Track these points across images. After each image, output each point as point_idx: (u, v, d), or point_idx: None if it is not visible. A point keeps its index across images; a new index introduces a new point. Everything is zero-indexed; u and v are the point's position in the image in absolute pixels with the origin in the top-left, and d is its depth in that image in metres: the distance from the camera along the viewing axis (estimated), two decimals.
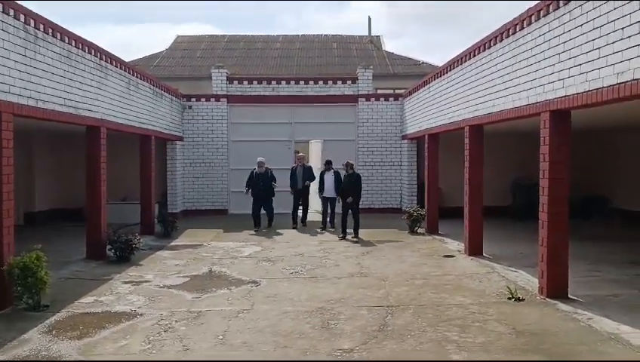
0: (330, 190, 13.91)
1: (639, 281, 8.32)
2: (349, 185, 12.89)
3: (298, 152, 17.99)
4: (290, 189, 14.72)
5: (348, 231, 12.94)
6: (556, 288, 7.34)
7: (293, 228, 14.14)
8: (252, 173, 14.39)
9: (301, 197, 14.69)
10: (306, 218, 14.85)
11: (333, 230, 13.88)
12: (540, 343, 5.65)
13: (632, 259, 10.06)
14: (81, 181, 10.95)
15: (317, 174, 14.75)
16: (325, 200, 14.32)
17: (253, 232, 13.68)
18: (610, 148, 16.42)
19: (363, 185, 13.64)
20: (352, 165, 13.36)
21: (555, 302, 7.13)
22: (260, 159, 14.45)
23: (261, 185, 14.11)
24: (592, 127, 14.04)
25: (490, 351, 5.41)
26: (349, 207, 12.87)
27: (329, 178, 13.97)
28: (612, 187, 16.41)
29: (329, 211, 14.35)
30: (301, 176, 14.54)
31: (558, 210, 7.38)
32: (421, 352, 5.43)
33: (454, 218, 13.31)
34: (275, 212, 14.57)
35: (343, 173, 13.34)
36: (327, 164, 14.19)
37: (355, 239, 12.52)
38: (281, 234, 13.47)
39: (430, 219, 13.73)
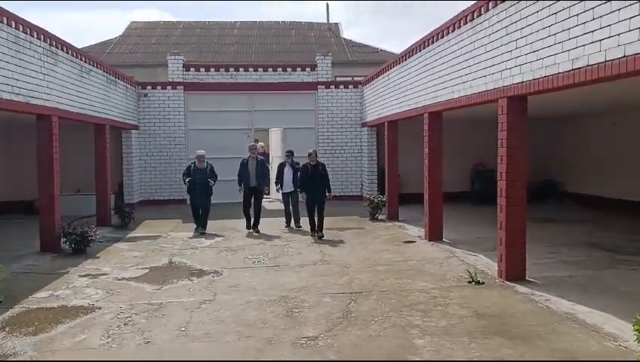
0: (288, 184, 12.36)
1: (592, 262, 8.60)
2: (316, 176, 11.30)
3: (258, 141, 17.82)
4: (238, 187, 12.25)
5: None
6: (514, 271, 7.51)
7: (249, 232, 11.95)
8: (190, 167, 12.32)
9: (253, 198, 12.18)
10: (258, 223, 12.13)
11: (299, 229, 12.32)
12: (501, 325, 5.76)
13: (585, 240, 10.40)
14: (32, 172, 10.56)
15: (276, 166, 13.66)
16: (286, 197, 12.62)
17: (194, 234, 11.84)
18: (561, 135, 16.92)
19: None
20: (317, 153, 11.95)
21: (514, 284, 7.30)
22: (199, 152, 12.38)
23: (197, 180, 11.98)
24: (544, 115, 14.40)
25: (452, 334, 5.48)
26: (317, 201, 11.36)
27: (288, 170, 12.41)
28: (564, 172, 16.92)
29: (291, 208, 12.65)
30: (254, 171, 12.05)
31: (515, 194, 7.53)
32: (385, 337, 5.46)
33: (414, 204, 13.46)
34: (228, 201, 13.94)
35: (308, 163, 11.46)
36: (288, 156, 12.62)
37: (320, 235, 11.17)
38: (239, 224, 13.32)
39: (390, 205, 13.84)
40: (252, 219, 12.15)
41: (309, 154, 11.53)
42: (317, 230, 11.27)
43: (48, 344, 5.41)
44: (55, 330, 5.81)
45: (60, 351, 5.23)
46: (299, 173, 11.78)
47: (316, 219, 11.33)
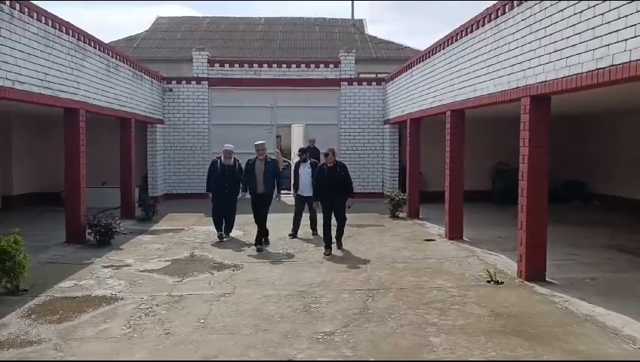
0: (306, 187, 10.67)
1: (615, 265, 8.50)
2: (335, 179, 9.37)
3: (280, 137, 17.84)
4: (242, 193, 10.38)
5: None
6: (534, 271, 7.45)
7: (258, 250, 9.71)
8: (215, 164, 10.72)
9: (260, 207, 9.98)
10: (267, 235, 10.33)
11: (313, 238, 10.86)
12: (518, 325, 5.74)
13: (609, 242, 10.26)
14: (59, 164, 10.80)
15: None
16: (301, 201, 11.04)
17: (217, 240, 10.56)
18: (588, 134, 16.65)
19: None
20: (334, 152, 9.73)
21: (533, 284, 7.25)
22: (228, 146, 10.79)
23: (226, 179, 10.52)
24: (570, 114, 14.21)
25: (469, 333, 5.48)
26: (335, 209, 9.53)
27: (305, 171, 10.85)
28: (589, 172, 16.66)
29: (305, 214, 11.08)
30: (261, 175, 9.85)
31: (537, 194, 7.47)
32: (402, 334, 5.49)
33: (435, 202, 13.42)
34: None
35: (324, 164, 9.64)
36: (302, 154, 11.21)
37: (339, 251, 9.52)
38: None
39: (411, 203, 13.81)
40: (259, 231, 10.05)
41: (326, 155, 9.56)
42: (331, 247, 9.41)
43: (72, 332, 5.56)
44: (79, 319, 5.96)
45: (83, 340, 5.37)
46: (314, 176, 9.95)
47: (333, 232, 9.56)
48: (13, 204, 15.10)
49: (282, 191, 11.44)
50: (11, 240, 6.73)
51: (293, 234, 11.04)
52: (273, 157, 10.59)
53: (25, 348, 5.15)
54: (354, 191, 9.72)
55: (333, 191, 9.35)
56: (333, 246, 9.60)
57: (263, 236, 10.05)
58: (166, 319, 5.97)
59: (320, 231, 10.22)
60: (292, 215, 11.20)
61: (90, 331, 5.60)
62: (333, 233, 9.66)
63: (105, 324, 5.79)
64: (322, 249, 9.53)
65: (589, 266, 8.36)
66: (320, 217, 10.17)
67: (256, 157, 10.02)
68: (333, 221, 9.63)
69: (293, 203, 11.35)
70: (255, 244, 9.91)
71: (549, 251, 7.60)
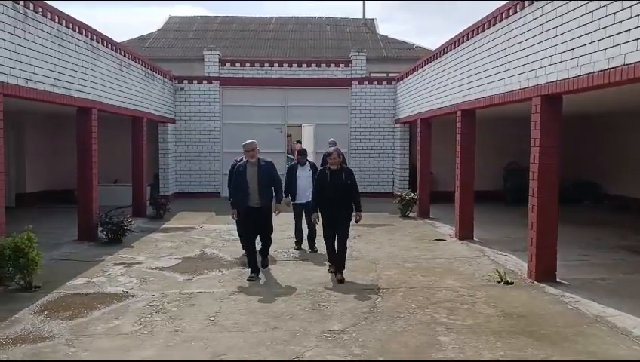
0: (305, 192, 9.23)
1: (626, 265, 8.45)
2: (338, 186, 7.55)
3: (290, 136, 17.87)
4: (231, 206, 8.20)
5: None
6: (545, 272, 7.42)
7: (250, 279, 7.58)
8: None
9: (258, 222, 7.96)
10: (267, 255, 8.45)
11: (314, 254, 9.35)
12: (528, 325, 5.72)
13: (619, 243, 10.19)
14: (72, 163, 10.91)
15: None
16: (299, 209, 9.62)
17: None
18: (600, 134, 16.50)
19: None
20: (342, 156, 8.32)
21: (544, 285, 7.22)
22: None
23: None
24: (582, 113, 14.10)
25: (478, 333, 5.48)
26: (338, 223, 7.63)
27: (303, 175, 9.40)
28: (602, 173, 16.52)
29: (305, 225, 9.48)
30: (255, 184, 7.75)
31: (547, 194, 7.44)
32: (410, 334, 5.49)
33: (446, 202, 13.38)
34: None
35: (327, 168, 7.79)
36: (302, 155, 9.74)
37: (339, 278, 7.52)
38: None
39: (422, 203, 13.79)
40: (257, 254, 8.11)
41: (329, 154, 7.83)
42: (336, 270, 7.68)
43: (84, 328, 5.62)
44: (90, 316, 6.03)
45: (94, 336, 5.43)
46: (315, 181, 8.09)
47: (336, 247, 7.69)
48: (26, 201, 15.24)
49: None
50: (24, 237, 6.83)
51: (298, 247, 9.72)
52: (269, 159, 8.25)
53: (37, 343, 5.21)
54: (361, 204, 7.82)
55: (335, 203, 7.58)
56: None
57: (265, 259, 8.36)
58: (176, 316, 6.01)
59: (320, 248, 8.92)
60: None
61: (102, 327, 5.66)
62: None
63: (116, 321, 5.85)
64: None
65: (600, 267, 8.32)
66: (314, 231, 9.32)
67: (247, 160, 7.89)
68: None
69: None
70: (261, 267, 8.07)
71: (559, 252, 7.56)
